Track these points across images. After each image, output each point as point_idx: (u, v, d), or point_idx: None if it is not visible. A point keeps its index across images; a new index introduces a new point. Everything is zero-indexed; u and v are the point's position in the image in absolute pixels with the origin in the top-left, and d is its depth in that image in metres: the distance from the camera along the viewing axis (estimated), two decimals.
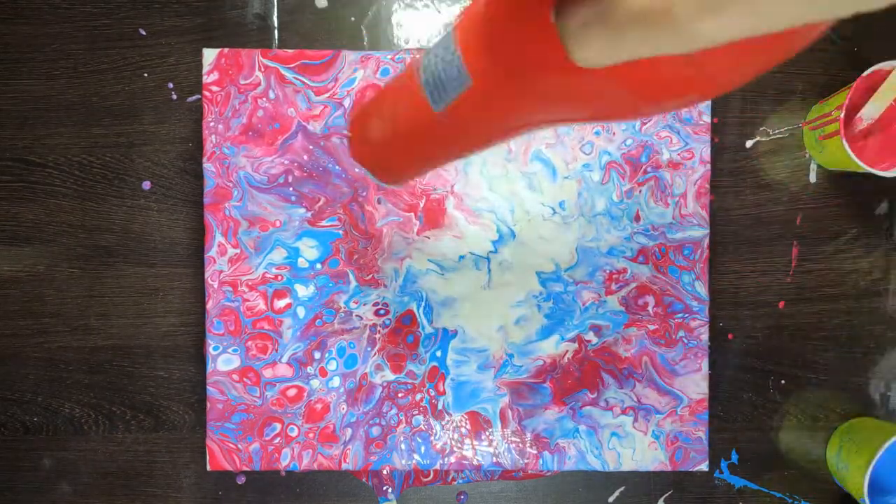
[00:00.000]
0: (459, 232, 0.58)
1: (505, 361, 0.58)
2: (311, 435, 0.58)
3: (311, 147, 0.58)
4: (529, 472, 0.61)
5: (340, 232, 0.58)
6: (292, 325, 0.58)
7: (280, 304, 0.58)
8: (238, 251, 0.58)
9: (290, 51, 0.57)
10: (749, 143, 0.61)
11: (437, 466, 0.58)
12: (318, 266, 0.58)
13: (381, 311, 0.58)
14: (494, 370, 0.58)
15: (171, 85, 0.61)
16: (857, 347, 0.61)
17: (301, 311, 0.58)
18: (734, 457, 0.61)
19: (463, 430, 0.58)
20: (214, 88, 0.57)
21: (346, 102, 0.58)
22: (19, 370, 0.61)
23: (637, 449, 0.58)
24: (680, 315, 0.58)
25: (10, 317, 0.61)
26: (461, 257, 0.58)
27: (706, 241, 0.58)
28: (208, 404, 0.58)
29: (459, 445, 0.58)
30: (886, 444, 0.54)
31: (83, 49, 0.61)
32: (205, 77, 0.57)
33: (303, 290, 0.58)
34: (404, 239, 0.58)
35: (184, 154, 0.61)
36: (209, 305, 0.58)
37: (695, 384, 0.58)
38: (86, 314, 0.61)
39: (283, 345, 0.58)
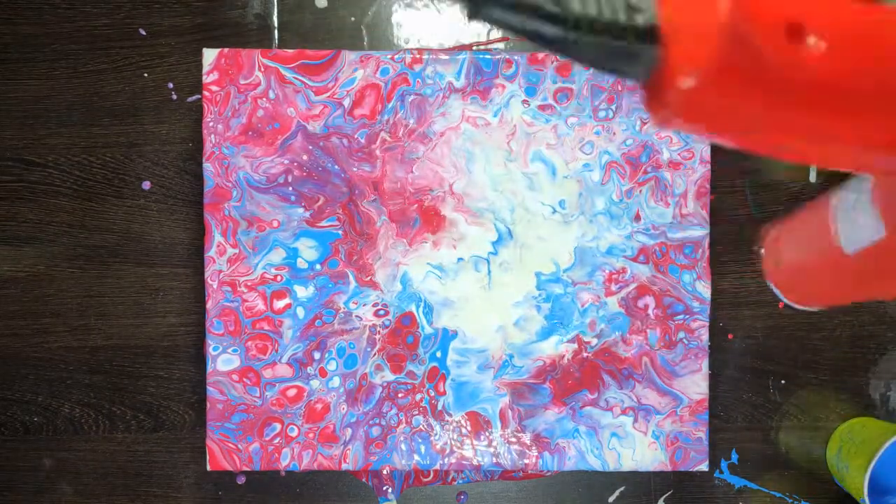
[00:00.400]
0: (458, 234, 0.58)
1: (505, 362, 0.58)
2: (311, 435, 0.58)
3: (310, 147, 0.58)
4: (529, 472, 0.61)
5: (340, 232, 0.58)
6: (292, 325, 0.58)
7: (280, 304, 0.58)
8: (237, 251, 0.58)
9: (290, 51, 0.57)
10: None
11: (437, 466, 0.58)
12: (318, 267, 0.58)
13: (381, 312, 0.58)
14: (494, 370, 0.58)
15: (171, 85, 0.61)
16: (857, 347, 0.61)
17: (301, 312, 0.58)
18: (734, 457, 0.61)
19: (463, 430, 0.58)
20: (214, 88, 0.57)
21: (346, 102, 0.58)
22: (19, 370, 0.61)
23: (637, 449, 0.58)
24: (680, 317, 0.58)
25: (10, 317, 0.61)
26: (459, 259, 0.58)
27: (706, 241, 0.58)
28: (208, 404, 0.58)
29: (459, 445, 0.58)
30: (886, 444, 0.54)
31: (83, 49, 0.61)
32: (205, 77, 0.57)
33: (302, 291, 0.58)
34: (400, 244, 0.58)
35: (184, 154, 0.61)
36: (209, 305, 0.58)
37: (695, 384, 0.58)
38: (86, 314, 0.61)
39: (282, 345, 0.58)
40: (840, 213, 0.31)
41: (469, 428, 0.58)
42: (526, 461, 0.58)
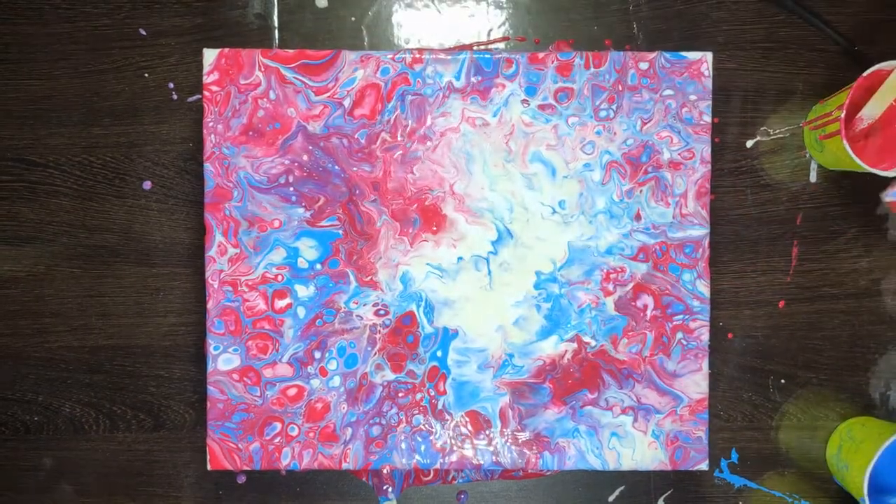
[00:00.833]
0: (458, 233, 0.58)
1: (505, 361, 0.58)
2: (311, 434, 0.58)
3: (310, 147, 0.58)
4: (529, 471, 0.61)
5: (340, 232, 0.58)
6: (293, 324, 0.58)
7: (280, 303, 0.58)
8: (238, 251, 0.58)
9: (290, 51, 0.57)
10: (749, 143, 0.61)
11: (438, 466, 0.58)
12: (318, 266, 0.58)
13: (381, 312, 0.58)
14: (494, 370, 0.58)
15: (171, 85, 0.61)
16: (857, 347, 0.61)
17: (301, 311, 0.58)
18: (734, 456, 0.62)
19: (463, 429, 0.58)
20: (214, 88, 0.57)
21: (346, 102, 0.58)
22: (19, 370, 0.61)
23: (637, 448, 0.58)
24: (680, 317, 0.58)
25: (10, 317, 0.61)
26: (459, 259, 0.58)
27: (706, 241, 0.58)
28: (209, 404, 0.58)
29: (460, 445, 0.58)
30: (886, 444, 0.54)
31: (83, 49, 0.61)
32: (205, 77, 0.57)
33: (303, 291, 0.58)
34: (401, 244, 0.58)
35: (184, 154, 0.61)
36: (209, 305, 0.58)
37: (695, 384, 0.58)
38: (86, 314, 0.61)
39: (283, 344, 0.58)
40: None
41: (469, 427, 0.58)
42: (526, 460, 0.58)
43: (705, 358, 0.58)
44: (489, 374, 0.58)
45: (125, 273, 0.61)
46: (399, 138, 0.58)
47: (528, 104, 0.58)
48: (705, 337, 0.58)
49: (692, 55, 0.58)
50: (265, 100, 0.57)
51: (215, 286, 0.58)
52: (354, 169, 0.58)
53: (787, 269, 0.61)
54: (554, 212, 0.58)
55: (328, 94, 0.57)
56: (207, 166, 0.57)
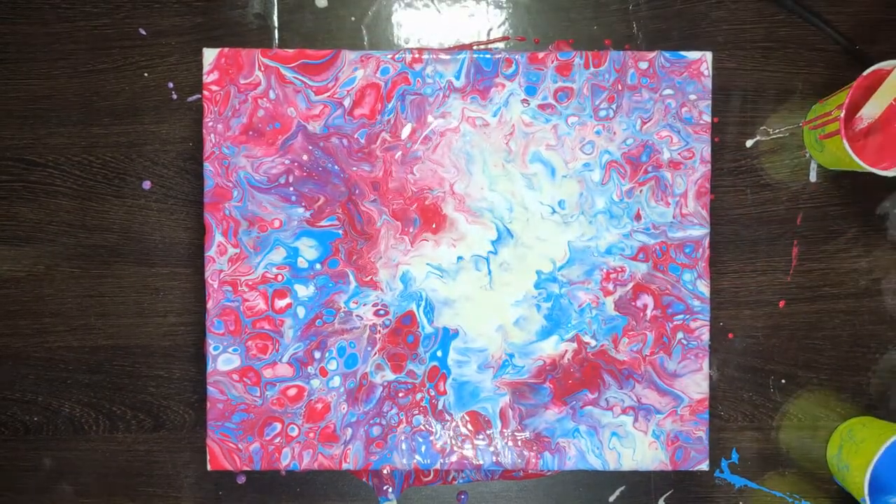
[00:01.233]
0: (458, 233, 0.58)
1: (505, 361, 0.58)
2: (311, 435, 0.58)
3: (310, 147, 0.58)
4: (530, 471, 0.61)
5: (340, 232, 0.58)
6: (292, 325, 0.58)
7: (280, 303, 0.58)
8: (238, 251, 0.58)
9: (290, 50, 0.57)
10: (749, 143, 0.61)
11: (438, 466, 0.58)
12: (318, 266, 0.58)
13: (381, 312, 0.58)
14: (494, 370, 0.58)
15: (171, 85, 0.61)
16: (858, 347, 0.61)
17: (301, 311, 0.58)
18: (734, 456, 0.62)
19: (463, 429, 0.58)
20: (214, 88, 0.57)
21: (346, 102, 0.58)
22: (19, 370, 0.61)
23: (637, 448, 0.58)
24: (680, 317, 0.58)
25: (10, 317, 0.61)
26: (459, 258, 0.58)
27: (706, 241, 0.58)
28: (208, 404, 0.58)
29: (460, 445, 0.58)
30: (886, 444, 0.54)
31: (83, 49, 0.61)
32: (205, 77, 0.57)
33: (303, 291, 0.58)
34: (401, 245, 0.58)
35: (184, 154, 0.61)
36: (209, 305, 0.58)
37: (695, 384, 0.58)
38: (86, 314, 0.61)
39: (283, 344, 0.58)
40: None
41: (469, 427, 0.58)
42: (526, 461, 0.58)
43: (706, 358, 0.58)
44: (489, 374, 0.58)
45: (125, 273, 0.61)
46: (399, 138, 0.58)
47: (528, 104, 0.58)
48: (706, 337, 0.58)
49: (692, 55, 0.58)
50: (265, 99, 0.57)
51: (215, 286, 0.58)
52: (354, 169, 0.58)
53: (787, 269, 0.61)
54: (554, 212, 0.58)
55: (328, 94, 0.57)
56: (207, 166, 0.57)
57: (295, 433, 0.58)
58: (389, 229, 0.58)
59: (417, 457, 0.58)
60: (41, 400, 0.61)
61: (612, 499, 0.61)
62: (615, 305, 0.58)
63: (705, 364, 0.58)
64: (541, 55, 0.57)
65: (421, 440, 0.58)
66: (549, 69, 0.58)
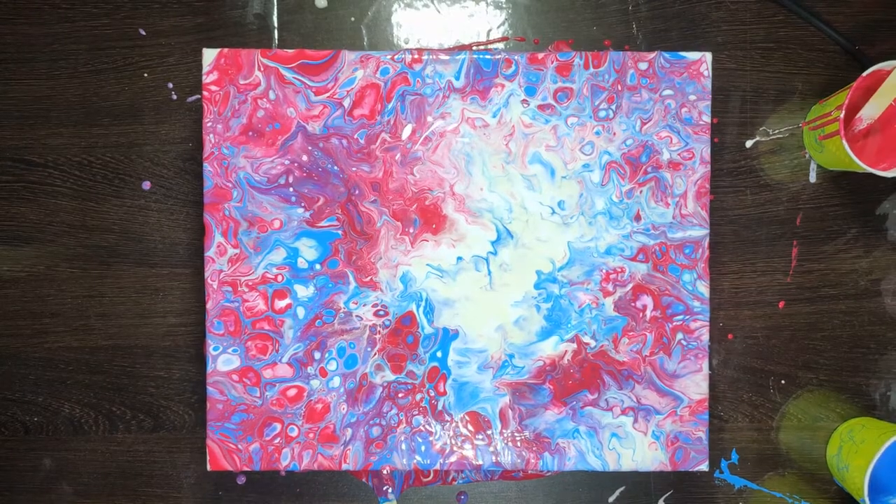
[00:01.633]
0: (458, 234, 0.58)
1: (505, 362, 0.58)
2: (311, 435, 0.58)
3: (310, 148, 0.58)
4: (529, 472, 0.61)
5: (340, 232, 0.58)
6: (292, 325, 0.58)
7: (280, 304, 0.58)
8: (238, 251, 0.58)
9: (289, 51, 0.57)
10: (749, 143, 0.61)
11: (438, 466, 0.58)
12: (318, 266, 0.58)
13: (381, 312, 0.58)
14: (493, 370, 0.58)
15: (171, 85, 0.61)
16: (857, 347, 0.61)
17: (301, 312, 0.58)
18: (734, 457, 0.62)
19: (463, 430, 0.58)
20: (214, 88, 0.57)
21: (346, 102, 0.58)
22: (19, 370, 0.61)
23: (637, 449, 0.58)
24: (680, 317, 0.58)
25: (10, 317, 0.61)
26: (459, 259, 0.58)
27: (706, 241, 0.58)
28: (208, 404, 0.58)
29: (460, 445, 0.58)
30: (886, 444, 0.54)
31: (83, 49, 0.61)
32: (204, 77, 0.57)
33: (302, 291, 0.58)
34: (401, 245, 0.58)
35: (184, 154, 0.61)
36: (209, 306, 0.58)
37: (695, 384, 0.58)
38: (86, 314, 0.61)
39: (283, 345, 0.58)
40: None
41: (469, 428, 0.58)
42: (526, 461, 0.58)
43: (705, 358, 0.58)
44: (489, 374, 0.58)
45: (125, 273, 0.61)
46: (399, 138, 0.58)
47: (528, 104, 0.58)
48: (705, 337, 0.58)
49: (691, 55, 0.58)
50: (265, 100, 0.57)
51: (214, 286, 0.58)
52: (354, 169, 0.58)
53: (787, 270, 0.61)
54: (553, 212, 0.58)
55: (328, 95, 0.57)
56: (206, 166, 0.57)
57: (295, 433, 0.58)
58: (390, 230, 0.58)
59: (417, 457, 0.58)
60: (41, 400, 0.61)
61: (611, 499, 0.61)
62: (615, 306, 0.58)
63: (705, 365, 0.58)
64: (540, 56, 0.57)
65: (421, 441, 0.58)
66: (548, 70, 0.58)
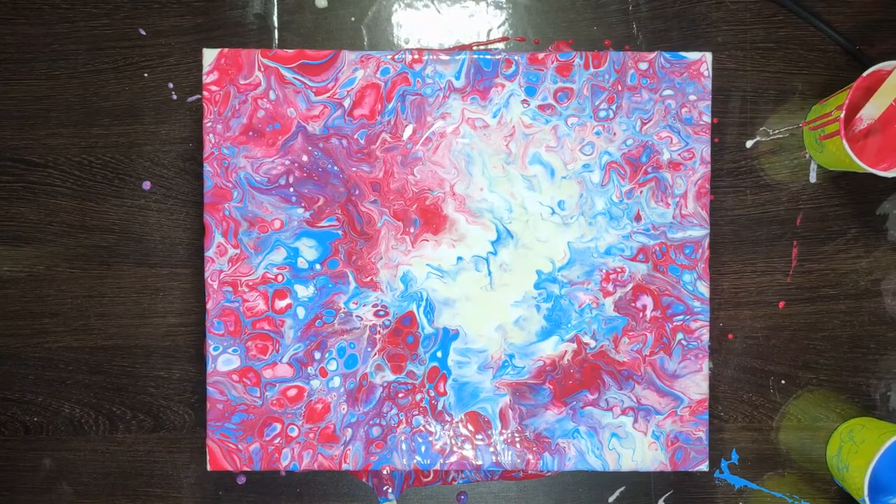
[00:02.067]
0: (458, 234, 0.58)
1: (505, 362, 0.58)
2: (311, 435, 0.58)
3: (310, 148, 0.58)
4: (529, 472, 0.61)
5: (340, 232, 0.58)
6: (293, 325, 0.58)
7: (280, 304, 0.58)
8: (238, 251, 0.58)
9: (290, 51, 0.57)
10: (749, 143, 0.61)
11: (438, 467, 0.58)
12: (318, 266, 0.58)
13: (381, 312, 0.58)
14: (493, 371, 0.58)
15: (171, 85, 0.61)
16: (857, 347, 0.61)
17: (301, 312, 0.58)
18: (734, 457, 0.62)
19: (463, 430, 0.58)
20: (214, 88, 0.57)
21: (346, 102, 0.58)
22: (19, 370, 0.61)
23: (637, 449, 0.58)
24: (680, 317, 0.58)
25: (10, 317, 0.61)
26: (459, 259, 0.58)
27: (706, 241, 0.58)
28: (208, 404, 0.58)
29: (460, 446, 0.58)
30: (886, 444, 0.54)
31: (83, 49, 0.61)
32: (205, 77, 0.57)
33: (303, 291, 0.58)
34: (402, 245, 0.58)
35: (184, 154, 0.61)
36: (209, 306, 0.58)
37: (695, 384, 0.58)
38: (86, 314, 0.61)
39: (283, 345, 0.58)
40: None
41: (469, 428, 0.58)
42: (526, 461, 0.58)
43: (705, 358, 0.58)
44: (489, 374, 0.58)
45: (125, 273, 0.61)
46: (399, 138, 0.58)
47: (528, 104, 0.58)
48: (705, 337, 0.58)
49: (692, 55, 0.58)
50: (265, 100, 0.57)
51: (215, 286, 0.58)
52: (354, 169, 0.58)
53: (787, 270, 0.61)
54: (553, 213, 0.58)
55: (328, 95, 0.57)
56: (206, 166, 0.57)
57: (295, 433, 0.58)
58: (390, 230, 0.58)
59: (417, 457, 0.58)
60: (41, 400, 0.61)
61: (611, 499, 0.61)
62: (615, 306, 0.58)
63: (705, 365, 0.58)
64: (541, 56, 0.57)
65: (421, 441, 0.58)
66: (548, 70, 0.58)
